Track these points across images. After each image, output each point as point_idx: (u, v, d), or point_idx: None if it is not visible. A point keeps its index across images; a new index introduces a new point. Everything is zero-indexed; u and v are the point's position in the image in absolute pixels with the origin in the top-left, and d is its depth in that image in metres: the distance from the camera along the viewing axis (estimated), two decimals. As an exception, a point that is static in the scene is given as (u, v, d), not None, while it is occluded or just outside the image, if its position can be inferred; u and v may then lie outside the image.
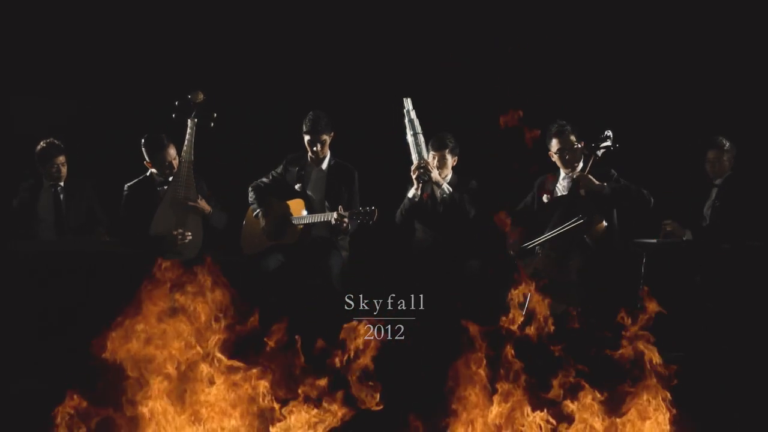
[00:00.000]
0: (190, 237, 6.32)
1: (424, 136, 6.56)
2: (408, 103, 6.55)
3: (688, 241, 6.42)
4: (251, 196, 6.73)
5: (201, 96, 6.34)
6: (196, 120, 6.33)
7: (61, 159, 6.74)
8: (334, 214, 6.35)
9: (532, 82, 7.13)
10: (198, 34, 7.51)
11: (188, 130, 6.31)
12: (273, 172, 6.79)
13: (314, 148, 6.64)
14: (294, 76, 7.52)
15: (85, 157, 6.99)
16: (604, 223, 6.13)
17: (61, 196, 6.78)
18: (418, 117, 6.55)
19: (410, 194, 6.58)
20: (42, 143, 6.74)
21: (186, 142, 6.31)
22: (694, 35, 7.17)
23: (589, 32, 7.30)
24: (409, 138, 6.53)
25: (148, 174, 6.59)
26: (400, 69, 7.31)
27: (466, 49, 7.37)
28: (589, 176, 6.16)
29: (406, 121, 6.53)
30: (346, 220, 6.32)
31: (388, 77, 7.25)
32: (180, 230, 6.33)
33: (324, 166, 6.73)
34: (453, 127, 6.72)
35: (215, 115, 6.34)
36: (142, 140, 6.52)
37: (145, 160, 6.55)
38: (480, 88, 7.24)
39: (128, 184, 6.61)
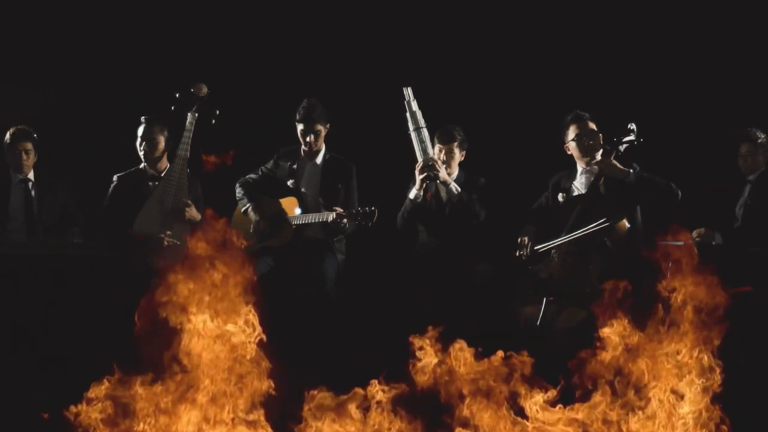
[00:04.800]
0: (178, 244, 6.05)
1: (429, 130, 6.32)
2: (409, 93, 6.30)
3: (719, 245, 6.17)
4: (239, 192, 6.47)
5: (205, 89, 6.13)
6: (196, 115, 6.09)
7: (27, 146, 6.43)
8: (332, 214, 6.11)
9: (548, 70, 7.04)
10: (185, 21, 7.33)
11: (187, 125, 6.09)
12: (263, 167, 6.54)
13: (307, 139, 6.37)
14: (287, 64, 7.31)
15: (55, 152, 6.75)
16: (627, 225, 5.85)
17: (33, 192, 6.48)
18: (421, 109, 6.30)
19: (411, 195, 6.33)
20: (11, 129, 6.49)
21: (183, 138, 6.09)
22: (726, 17, 7.00)
23: (609, 17, 7.14)
24: (412, 133, 6.29)
25: (141, 167, 6.36)
26: (403, 56, 7.09)
27: (472, 38, 7.24)
28: (614, 161, 5.88)
29: (408, 114, 6.29)
30: (345, 220, 6.10)
31: (389, 65, 7.02)
32: (168, 233, 6.07)
33: (318, 160, 6.47)
34: (459, 120, 6.50)
35: (218, 111, 6.14)
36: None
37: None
38: (488, 79, 7.11)
39: (118, 174, 6.36)
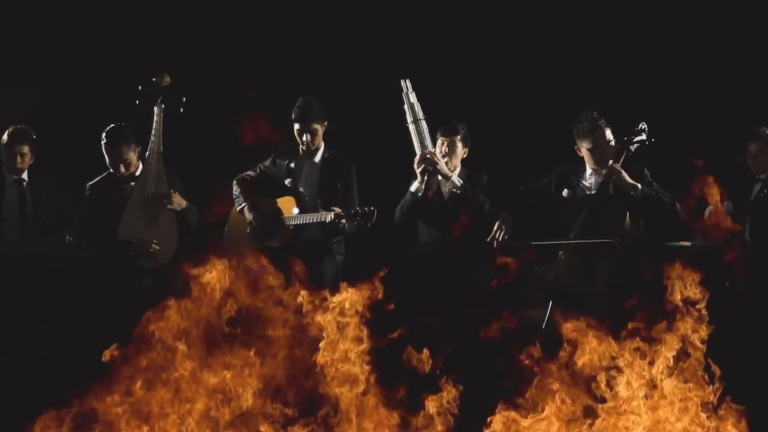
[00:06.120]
0: (157, 247, 6.08)
1: (429, 128, 6.27)
2: (407, 85, 6.25)
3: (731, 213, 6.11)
4: (235, 189, 6.42)
5: (167, 79, 6.12)
6: (163, 106, 6.05)
7: (23, 149, 6.35)
8: (330, 214, 6.04)
9: (550, 67, 7.00)
10: (167, 7, 7.28)
11: (155, 118, 6.04)
12: (260, 165, 6.49)
13: (304, 138, 6.32)
14: (283, 57, 7.24)
15: (50, 151, 6.68)
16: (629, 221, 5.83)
17: (27, 193, 6.42)
18: (420, 102, 6.25)
19: (413, 188, 6.25)
20: (10, 128, 6.43)
21: (153, 132, 6.06)
22: (726, 16, 6.95)
23: (609, 14, 7.10)
24: (410, 125, 6.25)
25: (112, 170, 6.31)
26: (401, 49, 7.05)
27: (473, 35, 7.21)
28: (623, 171, 5.81)
29: (406, 105, 6.26)
30: (344, 221, 6.03)
31: (387, 58, 6.96)
32: (153, 239, 6.05)
33: (317, 159, 6.40)
34: (460, 118, 6.44)
35: (184, 99, 6.09)
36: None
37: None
38: (489, 77, 7.08)
39: (90, 182, 6.33)
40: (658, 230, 6.04)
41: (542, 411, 4.47)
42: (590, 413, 4.48)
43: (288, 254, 6.01)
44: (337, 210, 6.05)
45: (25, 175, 6.41)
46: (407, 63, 6.79)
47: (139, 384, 4.57)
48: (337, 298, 4.67)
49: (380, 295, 4.72)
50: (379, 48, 7.10)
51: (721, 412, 4.42)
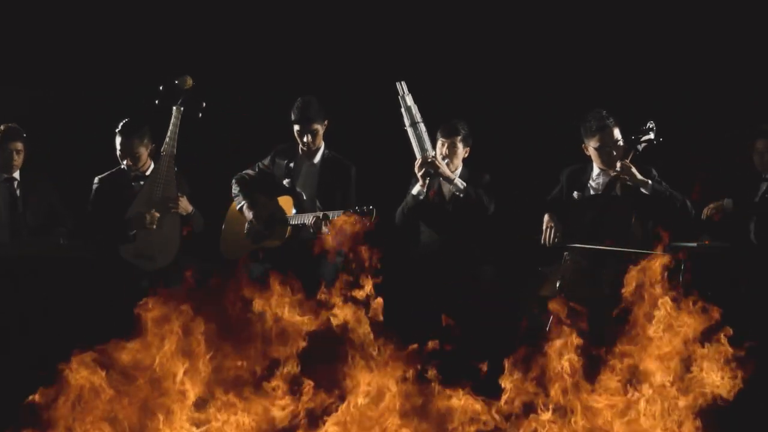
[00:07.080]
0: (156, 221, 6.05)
1: (428, 127, 6.19)
2: (403, 88, 6.18)
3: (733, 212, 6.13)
4: (234, 188, 6.36)
5: (190, 82, 6.10)
6: (182, 108, 6.04)
7: (17, 145, 6.32)
8: (311, 217, 6.03)
9: (556, 67, 6.98)
10: (180, 13, 7.27)
11: (173, 120, 6.03)
12: (259, 163, 6.44)
13: (304, 139, 6.26)
14: (282, 58, 7.23)
15: (48, 150, 6.68)
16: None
17: (18, 192, 6.37)
18: (420, 105, 6.18)
19: (414, 191, 6.18)
20: (1, 126, 6.39)
21: (169, 133, 6.04)
22: (725, 16, 6.92)
23: (609, 13, 7.07)
24: (408, 129, 6.17)
25: (123, 166, 6.26)
26: (402, 47, 7.03)
27: (476, 30, 7.18)
28: (633, 169, 5.73)
29: (403, 109, 6.17)
30: (324, 229, 5.95)
31: (387, 56, 6.93)
32: (154, 241, 6.03)
33: (316, 159, 6.34)
34: (461, 116, 6.38)
35: (204, 104, 6.07)
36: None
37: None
38: (490, 75, 7.04)
39: (99, 176, 6.28)
40: (666, 231, 5.90)
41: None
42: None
43: (286, 257, 6.10)
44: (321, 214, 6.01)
45: (17, 174, 6.36)
46: (407, 61, 6.80)
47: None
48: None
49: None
50: (379, 46, 7.05)
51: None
